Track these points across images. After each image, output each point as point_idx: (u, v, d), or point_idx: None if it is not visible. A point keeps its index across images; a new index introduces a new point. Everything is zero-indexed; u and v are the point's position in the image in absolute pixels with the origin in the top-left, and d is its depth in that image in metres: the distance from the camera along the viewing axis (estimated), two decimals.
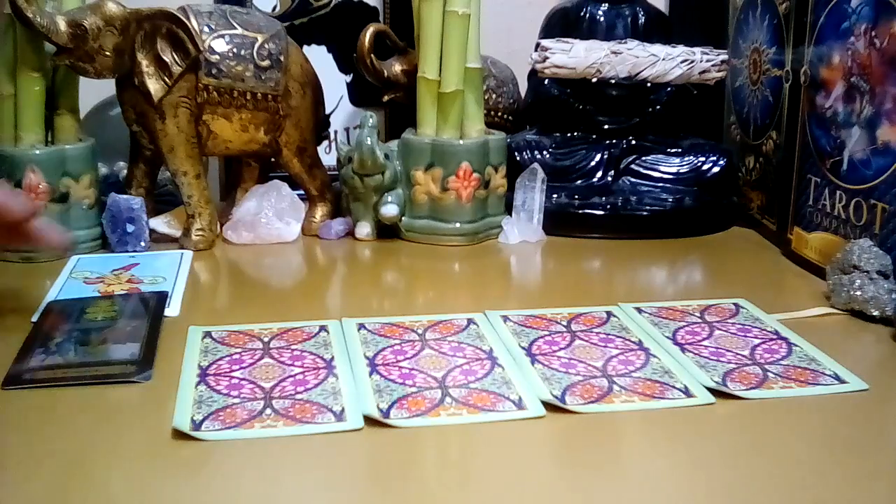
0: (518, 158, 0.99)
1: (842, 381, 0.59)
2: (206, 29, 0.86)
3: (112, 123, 0.99)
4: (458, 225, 0.92)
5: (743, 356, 0.63)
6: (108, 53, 0.82)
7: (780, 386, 0.59)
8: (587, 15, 1.05)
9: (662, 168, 1.01)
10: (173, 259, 0.85)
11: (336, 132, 1.11)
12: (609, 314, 0.71)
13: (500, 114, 1.09)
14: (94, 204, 0.88)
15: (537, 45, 1.00)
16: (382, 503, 0.46)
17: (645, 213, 0.96)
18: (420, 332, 0.67)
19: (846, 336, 0.69)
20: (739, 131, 1.05)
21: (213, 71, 0.86)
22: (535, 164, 0.95)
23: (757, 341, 0.66)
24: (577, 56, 0.98)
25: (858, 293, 0.71)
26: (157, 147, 0.88)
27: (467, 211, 0.92)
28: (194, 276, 0.82)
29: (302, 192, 0.97)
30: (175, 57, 0.84)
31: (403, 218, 0.93)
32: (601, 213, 0.96)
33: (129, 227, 0.86)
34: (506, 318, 0.70)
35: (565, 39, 1.00)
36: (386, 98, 1.01)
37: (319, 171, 0.96)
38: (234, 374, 0.59)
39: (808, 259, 0.85)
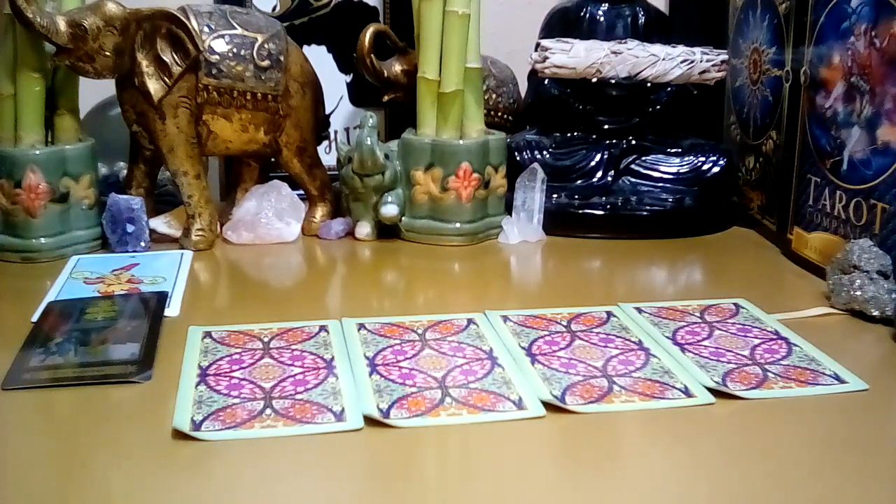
0: (518, 158, 0.99)
1: (842, 381, 0.59)
2: (205, 29, 0.86)
3: (112, 123, 0.99)
4: (458, 225, 0.92)
5: (743, 356, 0.63)
6: (108, 53, 0.82)
7: (780, 386, 0.59)
8: (587, 15, 1.04)
9: (662, 168, 1.01)
10: (173, 259, 0.85)
11: (336, 132, 1.11)
12: (609, 314, 0.71)
13: (500, 114, 1.09)
14: (94, 204, 0.88)
15: (537, 45, 1.00)
16: (382, 503, 0.46)
17: (645, 213, 0.96)
18: (420, 332, 0.67)
19: (846, 336, 0.69)
20: (739, 131, 1.05)
21: (213, 71, 0.86)
22: (535, 164, 0.95)
23: (757, 341, 0.66)
24: (577, 56, 0.98)
25: (858, 293, 0.71)
26: (157, 147, 0.88)
27: (467, 211, 0.92)
28: (194, 276, 0.82)
29: (302, 192, 0.97)
30: (175, 57, 0.84)
31: (403, 218, 0.93)
32: (601, 213, 0.96)
33: (129, 227, 0.86)
34: (506, 318, 0.70)
35: (565, 39, 1.00)
36: (386, 98, 1.01)
37: (319, 171, 0.96)
38: (234, 374, 0.59)
39: (808, 259, 0.85)
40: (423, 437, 0.52)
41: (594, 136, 1.02)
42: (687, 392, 0.57)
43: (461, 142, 0.92)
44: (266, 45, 0.88)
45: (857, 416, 0.55)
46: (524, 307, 0.72)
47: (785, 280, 0.84)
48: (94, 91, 1.00)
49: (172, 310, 0.72)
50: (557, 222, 0.95)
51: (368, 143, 0.87)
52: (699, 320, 0.71)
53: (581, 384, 0.58)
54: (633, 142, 1.02)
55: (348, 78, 1.11)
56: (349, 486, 0.47)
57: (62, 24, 0.80)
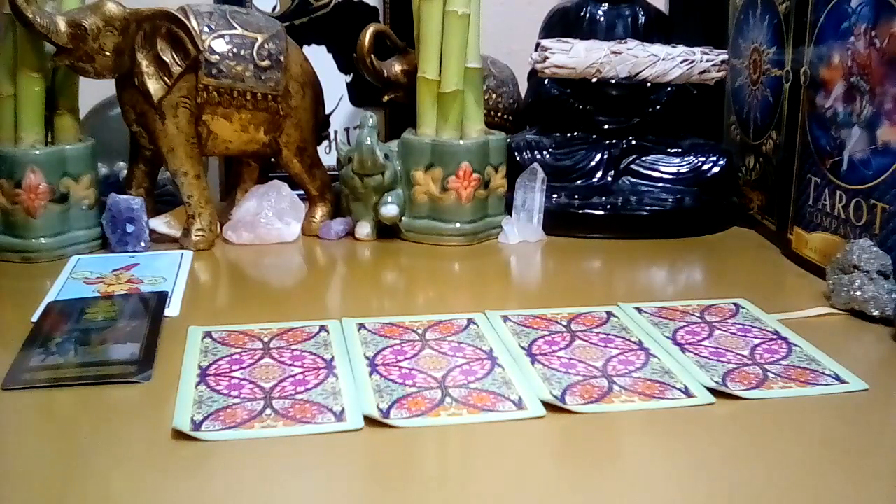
0: (518, 158, 0.99)
1: (842, 381, 0.59)
2: (205, 29, 0.86)
3: (112, 123, 0.99)
4: (458, 225, 0.92)
5: (743, 356, 0.63)
6: (108, 53, 0.82)
7: (780, 386, 0.59)
8: (587, 15, 1.05)
9: (662, 168, 1.01)
10: (173, 259, 0.85)
11: (336, 132, 1.11)
12: (609, 314, 0.71)
13: (500, 114, 1.09)
14: (94, 204, 0.88)
15: (537, 45, 1.00)
16: (382, 503, 0.46)
17: (645, 213, 0.96)
18: (420, 332, 0.67)
19: (846, 336, 0.69)
20: (739, 131, 1.05)
21: (213, 71, 0.86)
22: (535, 164, 0.95)
23: (757, 341, 0.66)
24: (577, 56, 0.98)
25: (858, 293, 0.71)
26: (157, 147, 0.88)
27: (467, 211, 0.92)
28: (194, 276, 0.82)
29: (302, 192, 0.97)
30: (175, 57, 0.84)
31: (403, 218, 0.93)
32: (601, 213, 0.96)
33: (129, 227, 0.86)
34: (506, 318, 0.70)
35: (565, 39, 1.00)
36: (386, 98, 1.01)
37: (319, 171, 0.96)
38: (234, 374, 0.59)
39: (808, 259, 0.85)
40: (423, 437, 0.52)
41: (594, 136, 1.02)
42: (687, 392, 0.57)
43: (461, 142, 0.92)
44: (266, 45, 0.88)
45: (857, 416, 0.55)
46: (524, 307, 0.72)
47: (785, 280, 0.84)
48: (94, 91, 1.00)
49: (172, 310, 0.72)
50: (557, 222, 0.95)
51: (368, 143, 0.87)
52: (699, 320, 0.71)
53: (581, 384, 0.58)
54: (633, 142, 1.02)
55: (348, 78, 1.11)
56: (349, 486, 0.47)
57: (62, 24, 0.80)
